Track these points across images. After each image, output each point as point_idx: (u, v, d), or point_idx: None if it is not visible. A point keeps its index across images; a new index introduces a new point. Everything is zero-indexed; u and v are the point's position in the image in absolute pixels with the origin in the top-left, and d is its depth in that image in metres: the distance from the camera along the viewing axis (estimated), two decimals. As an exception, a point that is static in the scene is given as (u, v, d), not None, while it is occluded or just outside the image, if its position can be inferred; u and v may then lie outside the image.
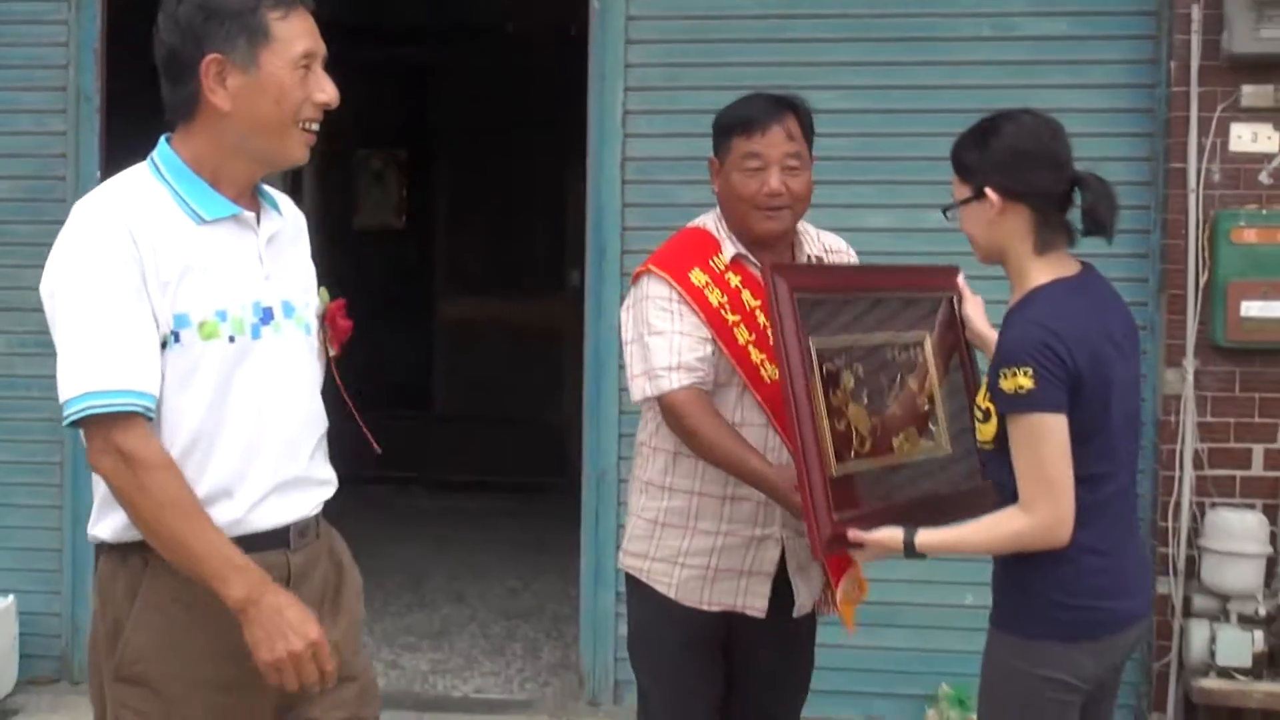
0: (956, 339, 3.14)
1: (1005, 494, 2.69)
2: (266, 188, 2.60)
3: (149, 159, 2.48)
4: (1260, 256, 4.75)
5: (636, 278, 3.22)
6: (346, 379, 2.72)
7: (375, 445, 2.86)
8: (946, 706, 4.89)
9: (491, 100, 9.54)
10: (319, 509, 2.59)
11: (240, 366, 2.42)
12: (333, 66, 2.51)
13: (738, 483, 3.09)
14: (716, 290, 3.12)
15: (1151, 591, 2.94)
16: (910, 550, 2.74)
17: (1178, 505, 4.80)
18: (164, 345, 2.36)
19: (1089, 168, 2.78)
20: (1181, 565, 4.79)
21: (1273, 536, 4.74)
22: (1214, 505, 4.80)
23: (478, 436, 9.45)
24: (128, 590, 2.42)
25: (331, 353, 2.65)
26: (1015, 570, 2.73)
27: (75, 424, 2.33)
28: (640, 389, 3.12)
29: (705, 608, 3.19)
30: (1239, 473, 4.83)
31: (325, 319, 2.65)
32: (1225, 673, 4.69)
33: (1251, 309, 4.74)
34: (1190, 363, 4.81)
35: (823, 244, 3.33)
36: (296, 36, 2.42)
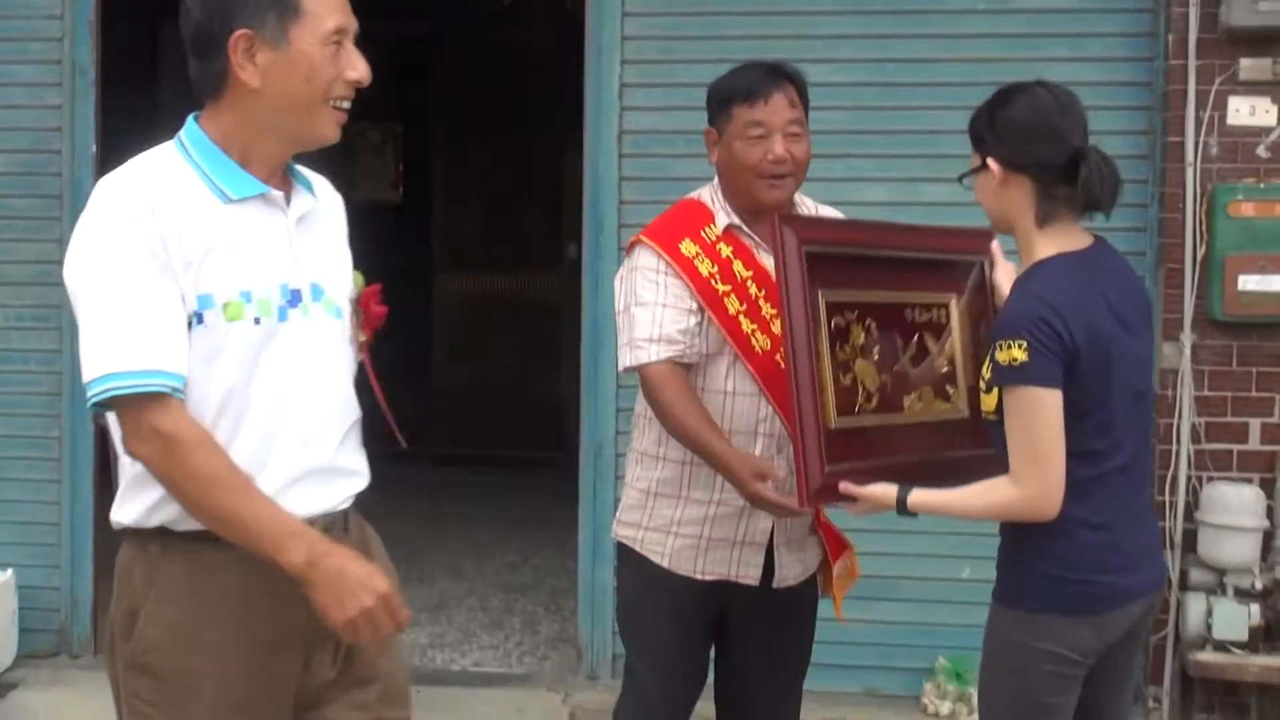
0: (986, 304, 3.10)
1: (1005, 465, 2.69)
2: (300, 168, 2.52)
3: (176, 137, 2.41)
4: (1258, 230, 4.74)
5: (630, 248, 3.23)
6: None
7: (401, 439, 2.76)
8: (944, 679, 4.91)
9: (489, 74, 9.50)
10: (349, 502, 2.50)
11: (266, 349, 2.34)
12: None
13: None
14: (707, 260, 3.11)
15: (1163, 569, 2.91)
16: (902, 508, 2.75)
17: (1175, 479, 4.80)
18: (188, 326, 2.28)
19: (1086, 141, 2.77)
20: (1179, 539, 4.80)
21: (1269, 510, 4.75)
22: (1211, 479, 4.81)
23: (476, 411, 9.43)
24: (145, 579, 2.37)
25: (362, 338, 2.55)
26: (1017, 546, 2.74)
27: (103, 406, 2.26)
28: (623, 359, 3.14)
29: (699, 577, 3.19)
30: (1236, 447, 4.84)
31: (359, 304, 2.56)
32: (1222, 646, 4.71)
33: (1249, 283, 4.74)
34: (1187, 337, 4.81)
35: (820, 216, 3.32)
36: (328, 12, 2.35)
